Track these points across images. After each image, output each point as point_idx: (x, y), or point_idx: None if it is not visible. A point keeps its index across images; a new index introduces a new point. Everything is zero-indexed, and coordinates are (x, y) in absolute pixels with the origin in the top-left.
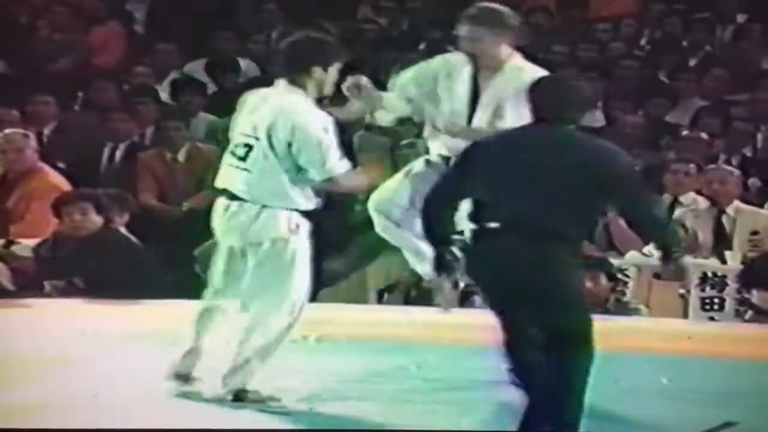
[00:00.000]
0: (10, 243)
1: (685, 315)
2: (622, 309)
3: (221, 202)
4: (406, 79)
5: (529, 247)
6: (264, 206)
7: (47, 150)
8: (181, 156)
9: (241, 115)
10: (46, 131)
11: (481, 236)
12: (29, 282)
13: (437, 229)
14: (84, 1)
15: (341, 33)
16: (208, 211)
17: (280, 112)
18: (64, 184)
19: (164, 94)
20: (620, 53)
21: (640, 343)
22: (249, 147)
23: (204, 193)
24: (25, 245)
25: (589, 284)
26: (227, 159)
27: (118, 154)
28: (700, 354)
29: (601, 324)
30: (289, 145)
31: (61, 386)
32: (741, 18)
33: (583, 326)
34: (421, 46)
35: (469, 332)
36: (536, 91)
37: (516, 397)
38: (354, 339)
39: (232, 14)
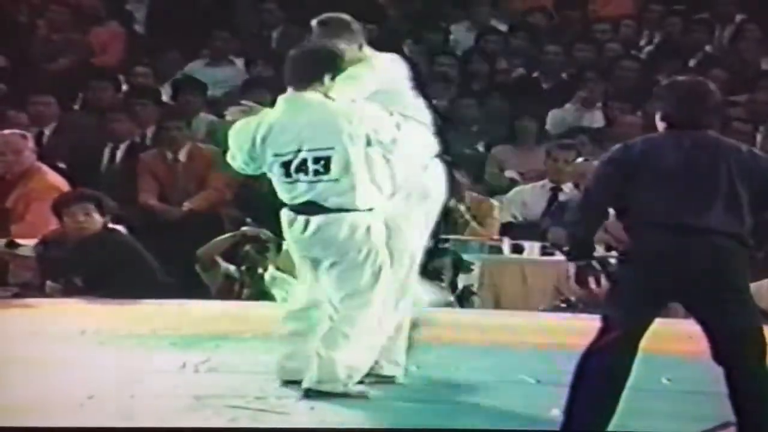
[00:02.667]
0: (11, 243)
1: None
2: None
3: (300, 218)
4: None
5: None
6: (350, 213)
7: (47, 150)
8: (182, 156)
9: (280, 134)
10: (47, 131)
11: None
12: (30, 282)
13: (589, 237)
14: (83, 1)
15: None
16: (208, 212)
17: (341, 115)
18: (63, 185)
19: (165, 95)
20: (619, 54)
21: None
22: (326, 159)
23: (206, 194)
24: (27, 245)
25: (591, 284)
26: (296, 177)
27: (119, 154)
28: (700, 354)
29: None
30: (368, 139)
31: (60, 386)
32: (740, 18)
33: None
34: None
35: (468, 332)
36: (674, 97)
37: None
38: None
39: (232, 14)
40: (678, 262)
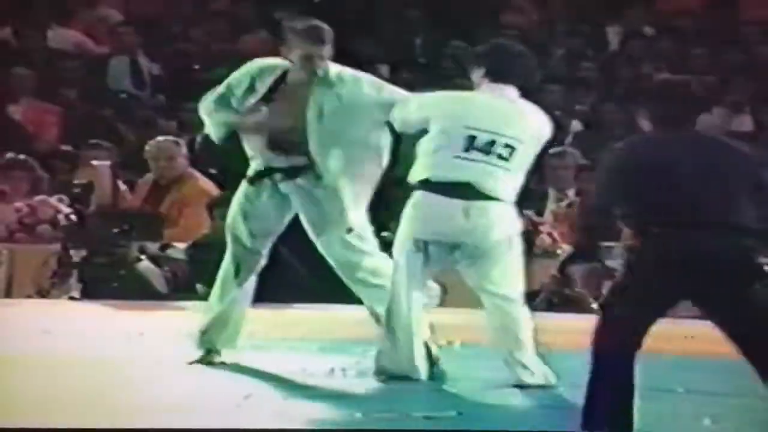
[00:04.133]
0: (165, 246)
1: None
2: None
3: (455, 201)
4: None
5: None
6: (501, 203)
7: (199, 157)
8: None
9: (481, 110)
10: (199, 138)
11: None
12: (183, 285)
13: (595, 244)
14: (236, 10)
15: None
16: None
17: (541, 119)
18: (215, 190)
19: None
20: None
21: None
22: (513, 148)
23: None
24: (179, 248)
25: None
26: (473, 155)
27: None
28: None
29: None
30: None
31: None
32: None
33: None
34: (560, 52)
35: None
36: (661, 97)
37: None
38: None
39: (376, 21)
40: (698, 261)
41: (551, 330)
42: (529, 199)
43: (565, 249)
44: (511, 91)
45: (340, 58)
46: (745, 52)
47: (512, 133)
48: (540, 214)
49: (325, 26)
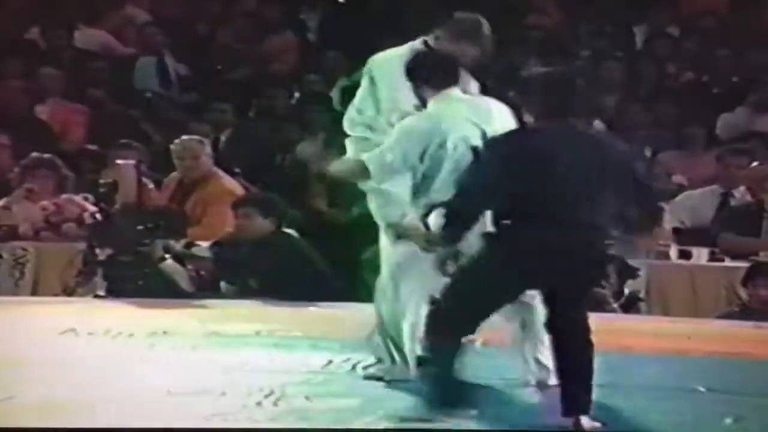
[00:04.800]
0: (189, 244)
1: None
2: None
3: None
4: None
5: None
6: None
7: (223, 156)
8: None
9: (463, 114)
10: (223, 137)
11: (516, 230)
12: (207, 283)
13: (465, 227)
14: (261, 11)
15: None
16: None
17: (507, 113)
18: (239, 189)
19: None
20: None
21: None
22: None
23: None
24: (204, 247)
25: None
26: None
27: (288, 160)
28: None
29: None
30: None
31: (236, 384)
32: None
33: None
34: (585, 53)
35: (634, 338)
36: (549, 87)
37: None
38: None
39: (402, 21)
40: (546, 257)
41: None
42: None
43: None
44: (457, 91)
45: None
46: None
47: (492, 128)
48: None
49: (485, 25)
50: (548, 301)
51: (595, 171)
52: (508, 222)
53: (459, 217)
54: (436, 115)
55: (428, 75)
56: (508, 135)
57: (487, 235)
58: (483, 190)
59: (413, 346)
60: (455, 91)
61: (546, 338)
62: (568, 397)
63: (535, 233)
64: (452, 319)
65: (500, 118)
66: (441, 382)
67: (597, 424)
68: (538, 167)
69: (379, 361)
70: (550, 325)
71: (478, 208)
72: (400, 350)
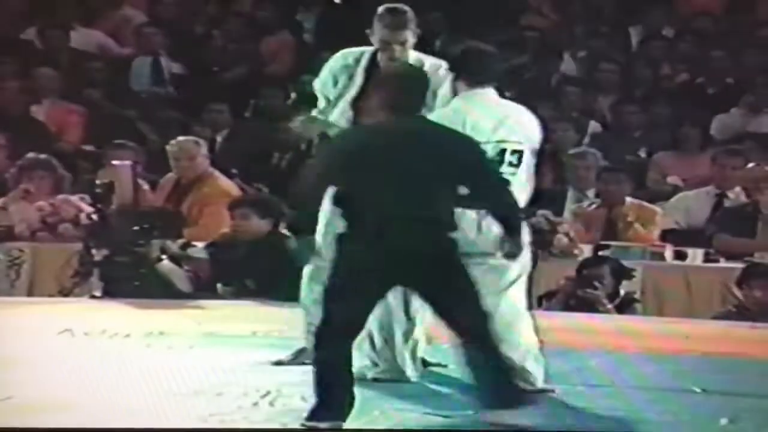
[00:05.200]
0: (186, 245)
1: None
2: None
3: (468, 213)
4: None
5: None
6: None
7: (219, 156)
8: None
9: (485, 118)
10: (219, 138)
11: (359, 229)
12: (203, 283)
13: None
14: (257, 11)
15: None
16: None
17: (533, 119)
18: (235, 190)
19: None
20: None
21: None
22: (520, 153)
23: None
24: (200, 247)
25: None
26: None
27: (285, 162)
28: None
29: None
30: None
31: (236, 384)
32: None
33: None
34: (581, 54)
35: (631, 339)
36: (386, 82)
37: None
38: None
39: None
40: (399, 255)
41: (568, 330)
42: (547, 199)
43: (582, 249)
44: (492, 93)
45: None
46: (763, 53)
47: (516, 138)
48: (558, 214)
49: (407, 10)
50: (425, 300)
51: (437, 166)
52: (353, 221)
53: (296, 207)
54: (455, 111)
55: (460, 70)
56: (347, 130)
57: (337, 236)
58: (315, 180)
59: (404, 346)
60: (484, 92)
61: (512, 339)
62: (483, 392)
63: (376, 231)
64: (329, 322)
65: (521, 127)
66: (327, 381)
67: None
68: (371, 162)
69: (375, 365)
70: (446, 324)
71: (312, 197)
72: (392, 349)
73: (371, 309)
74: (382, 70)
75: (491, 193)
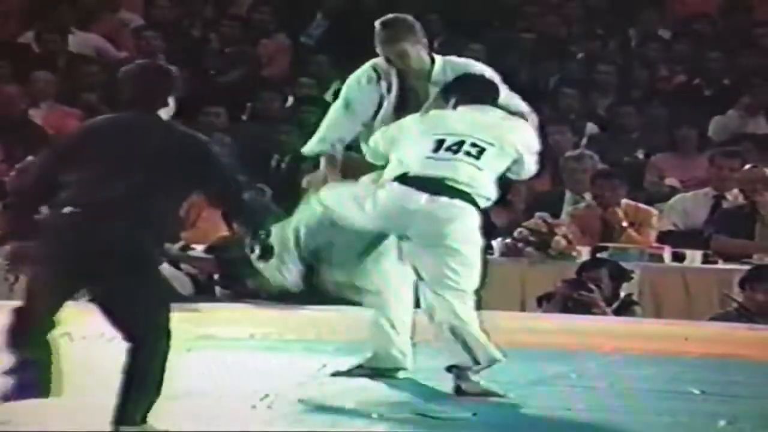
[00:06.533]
0: (185, 248)
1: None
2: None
3: (421, 194)
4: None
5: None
6: (470, 205)
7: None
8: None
9: (450, 121)
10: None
11: (59, 219)
12: (201, 286)
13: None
14: (254, 15)
15: (500, 43)
16: None
17: (518, 129)
18: None
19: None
20: None
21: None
22: (482, 149)
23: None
24: (198, 250)
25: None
26: (440, 154)
27: (284, 164)
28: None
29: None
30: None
31: (233, 388)
32: None
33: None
34: (579, 56)
35: (629, 341)
36: (127, 79)
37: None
38: (514, 346)
39: None
40: (89, 251)
41: (565, 331)
42: (545, 201)
43: (580, 251)
44: (487, 108)
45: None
46: (760, 55)
47: (483, 137)
48: (556, 216)
49: (397, 23)
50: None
51: (156, 161)
52: (54, 212)
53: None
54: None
55: (454, 93)
56: (84, 125)
57: (41, 222)
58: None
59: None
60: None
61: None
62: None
63: (71, 222)
64: (25, 310)
65: (510, 137)
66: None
67: None
68: (89, 155)
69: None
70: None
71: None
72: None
73: (59, 300)
74: (122, 70)
75: (224, 194)
